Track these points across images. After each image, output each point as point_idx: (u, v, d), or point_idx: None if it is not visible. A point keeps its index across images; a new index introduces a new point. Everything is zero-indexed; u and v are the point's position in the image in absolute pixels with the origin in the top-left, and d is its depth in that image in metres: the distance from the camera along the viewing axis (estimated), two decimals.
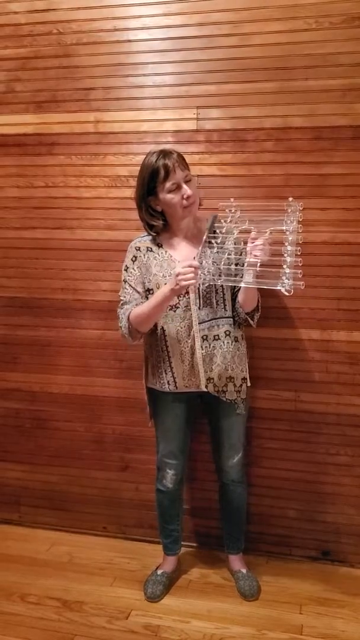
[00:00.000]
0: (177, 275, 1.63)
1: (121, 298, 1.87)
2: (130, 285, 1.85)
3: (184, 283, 1.62)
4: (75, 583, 2.13)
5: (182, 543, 2.20)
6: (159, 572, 2.12)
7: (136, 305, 1.82)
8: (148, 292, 1.83)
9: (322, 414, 2.13)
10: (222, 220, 1.70)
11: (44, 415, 2.42)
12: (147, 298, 1.83)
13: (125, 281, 1.87)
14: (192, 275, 1.61)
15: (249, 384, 1.93)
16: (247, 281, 1.65)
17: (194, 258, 1.71)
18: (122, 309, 1.85)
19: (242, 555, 2.16)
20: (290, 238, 1.58)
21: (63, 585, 2.12)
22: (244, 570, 2.10)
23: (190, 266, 1.62)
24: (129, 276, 1.86)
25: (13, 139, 2.22)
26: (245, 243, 1.66)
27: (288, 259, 1.56)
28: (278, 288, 1.57)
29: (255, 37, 1.95)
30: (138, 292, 1.84)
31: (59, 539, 2.43)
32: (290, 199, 1.59)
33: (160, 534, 2.16)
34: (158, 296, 1.73)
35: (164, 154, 1.73)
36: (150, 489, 2.16)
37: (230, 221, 1.69)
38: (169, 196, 1.74)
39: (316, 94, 1.94)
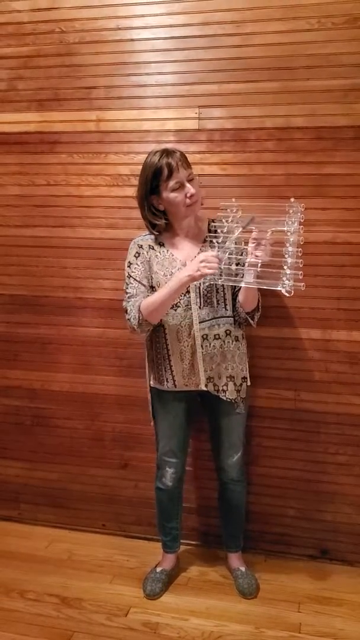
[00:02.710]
0: (201, 261, 1.61)
1: (127, 291, 1.84)
2: (135, 279, 1.83)
3: (206, 270, 1.60)
4: (74, 580, 2.14)
5: (181, 541, 2.21)
6: (158, 569, 2.13)
7: (144, 297, 1.80)
8: (152, 289, 1.83)
9: (322, 413, 2.13)
10: (224, 220, 1.70)
11: (44, 412, 2.43)
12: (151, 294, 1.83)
13: (129, 276, 1.84)
14: (215, 265, 1.60)
15: (249, 383, 1.94)
16: (248, 281, 1.65)
17: (217, 251, 1.67)
18: (129, 301, 1.82)
19: (241, 554, 2.17)
20: (291, 239, 1.57)
21: (62, 582, 2.13)
22: (242, 569, 2.11)
23: (214, 256, 1.61)
24: (132, 271, 1.84)
25: (15, 137, 2.22)
26: (247, 243, 1.66)
27: (289, 260, 1.56)
28: (278, 289, 1.57)
29: (258, 37, 1.95)
30: (144, 285, 1.83)
31: (59, 536, 2.44)
32: (292, 199, 1.59)
33: (160, 532, 2.16)
34: (172, 283, 1.70)
35: (167, 152, 1.73)
36: (150, 486, 2.17)
37: (232, 221, 1.69)
38: (172, 195, 1.74)
39: (318, 94, 1.94)
